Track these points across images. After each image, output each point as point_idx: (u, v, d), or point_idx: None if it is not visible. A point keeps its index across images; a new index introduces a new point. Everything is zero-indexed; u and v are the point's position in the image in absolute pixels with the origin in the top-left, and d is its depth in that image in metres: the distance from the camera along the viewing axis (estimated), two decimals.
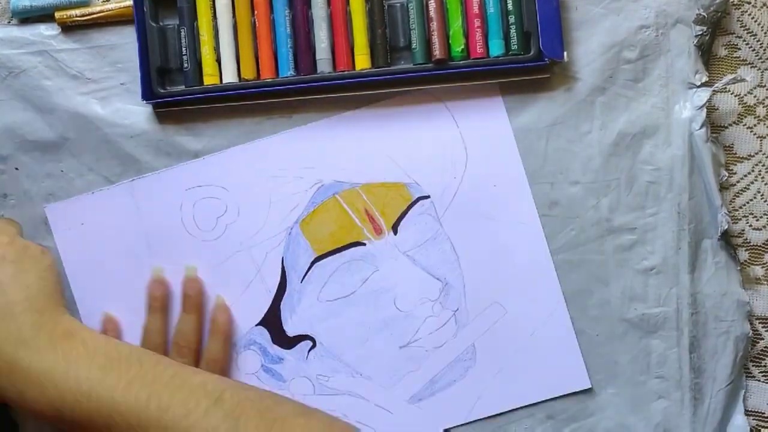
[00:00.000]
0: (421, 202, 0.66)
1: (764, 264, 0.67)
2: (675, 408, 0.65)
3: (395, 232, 0.66)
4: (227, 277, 0.66)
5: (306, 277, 0.66)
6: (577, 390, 0.65)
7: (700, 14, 0.64)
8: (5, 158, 0.67)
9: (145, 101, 0.65)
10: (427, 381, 0.66)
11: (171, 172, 0.66)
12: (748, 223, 0.67)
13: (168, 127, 0.67)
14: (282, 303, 0.66)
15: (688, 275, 0.65)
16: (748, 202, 0.67)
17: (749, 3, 0.67)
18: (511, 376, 0.65)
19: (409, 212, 0.66)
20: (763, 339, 0.67)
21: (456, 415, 0.66)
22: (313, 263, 0.66)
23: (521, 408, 0.66)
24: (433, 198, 0.66)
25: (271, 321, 0.66)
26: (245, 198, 0.66)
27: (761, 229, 0.67)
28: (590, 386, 0.65)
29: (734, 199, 0.67)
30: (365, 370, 0.66)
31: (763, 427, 0.67)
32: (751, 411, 0.67)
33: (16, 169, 0.67)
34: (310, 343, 0.66)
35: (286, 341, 0.66)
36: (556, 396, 0.65)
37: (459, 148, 0.66)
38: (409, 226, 0.66)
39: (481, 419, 0.65)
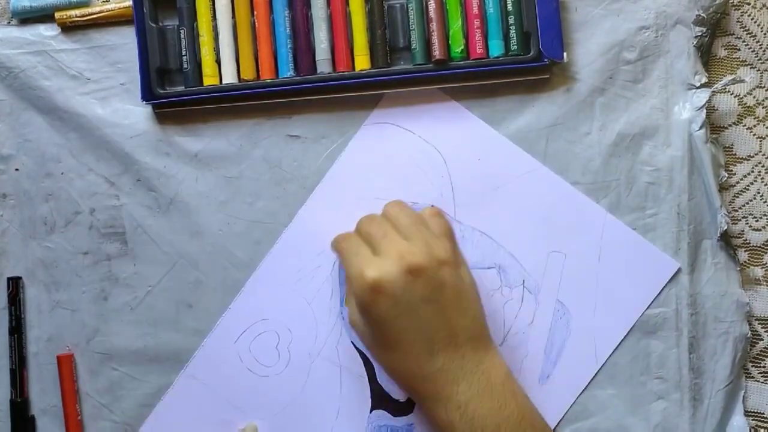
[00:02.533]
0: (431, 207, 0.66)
1: (764, 265, 0.67)
2: (674, 408, 0.65)
3: None
4: (318, 390, 0.66)
5: None
6: (672, 275, 0.65)
7: (700, 15, 0.65)
8: (5, 158, 0.67)
9: (144, 102, 0.65)
10: (542, 357, 0.65)
11: (211, 337, 0.66)
12: (747, 223, 0.67)
13: (168, 127, 0.67)
14: (378, 378, 0.66)
15: (687, 276, 0.65)
16: (747, 203, 0.67)
17: (749, 4, 0.67)
18: (608, 304, 0.65)
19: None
20: (762, 340, 0.67)
21: (586, 369, 0.65)
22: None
23: None
24: (437, 204, 0.66)
25: (381, 399, 0.66)
26: (287, 315, 0.66)
27: (761, 230, 0.67)
28: (679, 266, 0.65)
29: (734, 199, 0.67)
30: None
31: (763, 427, 0.67)
32: (750, 412, 0.67)
33: (16, 169, 0.67)
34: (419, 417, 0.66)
35: (403, 408, 0.66)
36: (658, 293, 0.65)
37: (428, 149, 0.66)
38: None
39: None
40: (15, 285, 0.66)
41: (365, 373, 0.66)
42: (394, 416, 0.66)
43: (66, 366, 0.66)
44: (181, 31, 0.65)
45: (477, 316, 0.59)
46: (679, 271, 0.65)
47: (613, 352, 0.65)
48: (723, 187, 0.66)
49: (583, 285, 0.65)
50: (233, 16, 0.65)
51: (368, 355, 0.65)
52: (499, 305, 0.66)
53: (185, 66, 0.65)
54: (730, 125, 0.67)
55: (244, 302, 0.66)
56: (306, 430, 0.66)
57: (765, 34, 0.67)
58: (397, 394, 0.66)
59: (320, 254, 0.66)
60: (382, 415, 0.66)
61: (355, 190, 0.66)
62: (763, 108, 0.67)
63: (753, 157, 0.67)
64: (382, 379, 0.66)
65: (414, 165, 0.66)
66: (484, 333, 0.60)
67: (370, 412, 0.66)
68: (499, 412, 0.56)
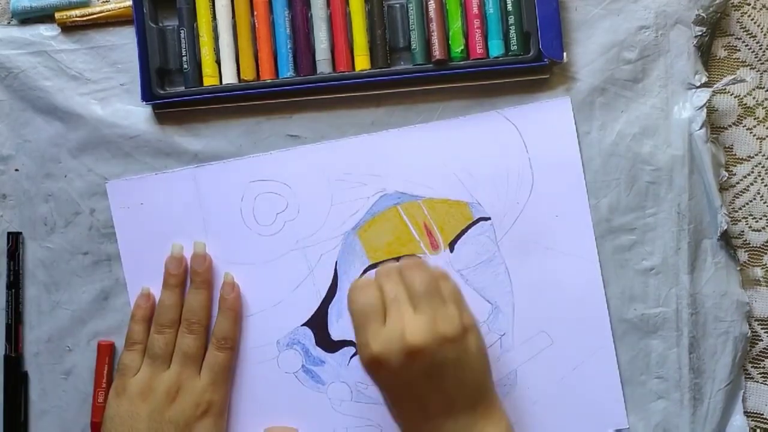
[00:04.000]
0: (481, 223, 0.66)
1: (764, 265, 0.67)
2: (674, 408, 0.65)
3: (451, 250, 0.66)
4: (279, 273, 0.66)
5: None
6: (614, 429, 0.65)
7: (700, 15, 0.65)
8: (5, 158, 0.67)
9: (144, 102, 0.65)
10: None
11: (237, 162, 0.66)
12: (747, 224, 0.67)
13: (167, 127, 0.67)
14: (330, 306, 0.66)
15: (687, 275, 0.65)
16: (747, 203, 0.67)
17: (748, 4, 0.67)
18: (548, 408, 0.65)
19: (468, 232, 0.66)
20: (762, 340, 0.67)
21: None
22: (366, 270, 0.66)
23: None
24: (494, 220, 0.66)
25: (317, 323, 0.66)
26: (307, 197, 0.66)
27: (761, 231, 0.67)
28: (627, 426, 0.65)
29: (734, 200, 0.67)
30: None
31: (762, 428, 0.67)
32: (749, 412, 0.67)
33: (16, 170, 0.67)
34: (353, 350, 0.66)
35: (329, 345, 0.66)
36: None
37: (526, 174, 0.65)
38: (466, 246, 0.66)
39: None
40: (15, 240, 0.67)
41: (324, 293, 0.66)
42: (316, 344, 0.66)
43: (104, 352, 0.66)
44: (181, 31, 0.65)
45: (479, 383, 0.59)
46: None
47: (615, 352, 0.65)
48: (723, 188, 0.66)
49: (543, 375, 0.65)
50: (233, 17, 0.65)
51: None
52: None
53: (185, 66, 0.65)
54: (729, 126, 0.67)
55: (284, 157, 0.66)
56: (242, 296, 0.66)
57: (765, 34, 0.67)
58: (335, 331, 0.66)
59: (374, 176, 0.66)
60: (307, 335, 0.66)
61: (445, 153, 0.66)
62: (762, 109, 0.67)
63: (753, 157, 0.67)
64: (333, 310, 0.66)
65: (505, 174, 0.66)
66: (486, 396, 0.59)
67: (301, 325, 0.66)
68: None
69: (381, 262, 0.66)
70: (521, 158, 0.65)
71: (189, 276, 0.66)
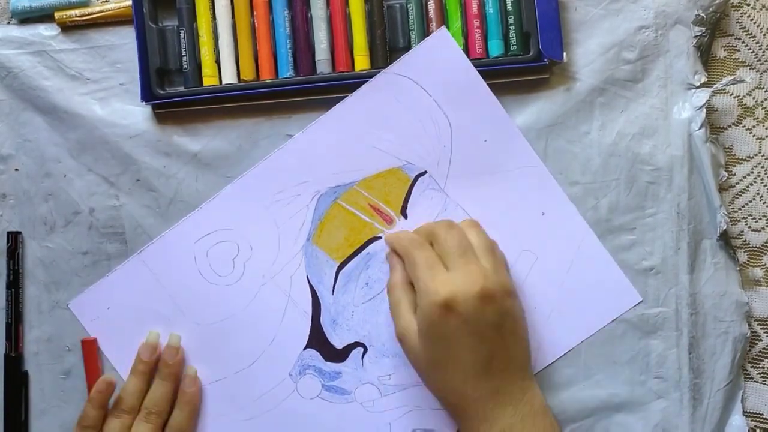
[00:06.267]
0: (420, 179, 0.66)
1: (763, 265, 0.67)
2: (674, 408, 0.65)
3: (405, 217, 0.66)
4: (261, 312, 0.66)
5: (335, 287, 0.66)
6: (631, 306, 0.65)
7: (699, 15, 0.65)
8: (5, 158, 0.67)
9: (144, 102, 0.65)
10: None
11: (174, 230, 0.66)
12: (747, 224, 0.67)
13: (167, 127, 0.67)
14: (321, 319, 0.66)
15: (687, 276, 0.65)
16: (747, 204, 0.67)
17: (748, 5, 0.67)
18: (563, 316, 0.65)
19: (412, 193, 0.66)
20: (761, 340, 0.67)
21: None
22: (338, 272, 0.66)
23: None
24: (431, 172, 0.66)
25: (317, 340, 0.66)
26: (253, 232, 0.66)
27: (760, 231, 0.67)
28: (641, 299, 0.65)
29: (733, 200, 0.67)
30: None
31: (761, 428, 0.67)
32: (749, 412, 0.67)
33: (16, 169, 0.67)
34: (362, 349, 0.66)
35: (337, 355, 0.66)
36: (613, 319, 0.65)
37: (439, 116, 0.65)
38: (416, 207, 0.66)
39: None
40: (14, 239, 0.67)
41: (311, 310, 0.66)
42: (326, 360, 0.66)
43: (90, 348, 0.66)
44: (181, 31, 0.65)
45: (527, 347, 0.62)
46: (639, 303, 0.65)
47: (611, 353, 0.65)
48: (723, 188, 0.66)
49: (544, 290, 0.65)
50: (233, 17, 0.65)
51: (417, 372, 0.63)
52: None
53: (185, 66, 0.65)
54: (729, 126, 0.67)
55: (215, 206, 0.66)
56: (237, 348, 0.66)
57: (764, 35, 0.67)
58: (336, 340, 0.66)
59: (303, 184, 0.66)
60: (314, 356, 0.66)
61: (356, 133, 0.65)
62: (762, 109, 0.67)
63: (752, 158, 0.67)
64: (325, 321, 0.66)
65: (420, 125, 0.65)
66: (529, 363, 0.62)
67: (304, 349, 0.66)
68: None
69: (347, 259, 0.66)
70: (428, 104, 0.65)
71: (134, 362, 0.65)
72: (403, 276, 0.62)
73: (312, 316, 0.66)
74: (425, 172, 0.66)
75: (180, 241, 0.66)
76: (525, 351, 0.61)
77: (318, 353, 0.66)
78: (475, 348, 0.58)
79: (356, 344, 0.66)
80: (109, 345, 0.66)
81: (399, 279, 0.62)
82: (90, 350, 0.66)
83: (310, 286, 0.66)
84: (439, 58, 0.65)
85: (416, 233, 0.63)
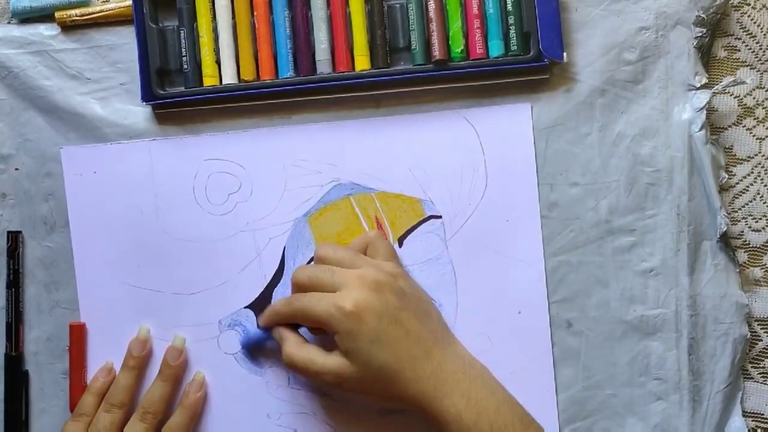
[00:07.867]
0: (432, 220, 0.66)
1: (763, 266, 0.67)
2: (673, 409, 0.65)
3: (400, 245, 0.66)
4: (226, 254, 0.66)
5: None
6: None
7: (700, 16, 0.65)
8: (5, 157, 0.67)
9: (144, 102, 0.65)
10: None
11: (194, 139, 0.66)
12: (747, 224, 0.67)
13: (167, 127, 0.67)
14: (275, 290, 0.66)
15: (687, 277, 0.65)
16: (747, 204, 0.67)
17: (748, 5, 0.67)
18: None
19: (418, 228, 0.66)
20: (761, 341, 0.67)
21: None
22: (312, 258, 0.66)
23: None
24: (445, 219, 0.66)
25: (260, 306, 0.66)
26: (260, 180, 0.66)
27: (760, 231, 0.67)
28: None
29: (733, 200, 0.67)
30: None
31: (762, 428, 0.67)
32: (749, 412, 0.67)
33: (16, 169, 0.67)
34: None
35: (270, 328, 0.65)
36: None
37: (481, 176, 0.65)
38: (415, 242, 0.66)
39: None
40: (14, 239, 0.67)
41: (270, 277, 0.66)
42: (258, 328, 0.65)
43: (78, 333, 0.66)
44: (181, 31, 0.65)
45: (440, 317, 0.64)
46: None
47: (611, 354, 0.65)
48: (723, 188, 0.66)
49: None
50: (233, 17, 0.65)
51: (368, 396, 0.61)
52: None
53: (185, 66, 0.65)
54: (729, 126, 0.67)
55: (240, 138, 0.66)
56: (187, 272, 0.66)
57: (765, 35, 0.67)
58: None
59: (330, 165, 0.66)
60: (250, 317, 0.66)
61: (402, 149, 0.66)
62: (762, 109, 0.67)
63: (753, 158, 0.67)
64: (277, 294, 0.66)
65: (459, 175, 0.66)
66: (450, 330, 0.64)
67: (245, 306, 0.66)
68: (493, 395, 0.60)
69: None
70: (477, 160, 0.65)
71: (125, 357, 0.65)
72: (296, 338, 0.62)
73: (268, 284, 0.66)
74: (440, 216, 0.66)
75: (193, 150, 0.66)
76: (440, 322, 0.63)
77: (254, 317, 0.66)
78: (400, 336, 0.59)
79: None
80: (77, 210, 0.66)
81: (293, 342, 0.62)
82: (77, 335, 0.66)
83: (283, 256, 0.66)
84: (510, 127, 0.65)
85: (295, 280, 0.63)
